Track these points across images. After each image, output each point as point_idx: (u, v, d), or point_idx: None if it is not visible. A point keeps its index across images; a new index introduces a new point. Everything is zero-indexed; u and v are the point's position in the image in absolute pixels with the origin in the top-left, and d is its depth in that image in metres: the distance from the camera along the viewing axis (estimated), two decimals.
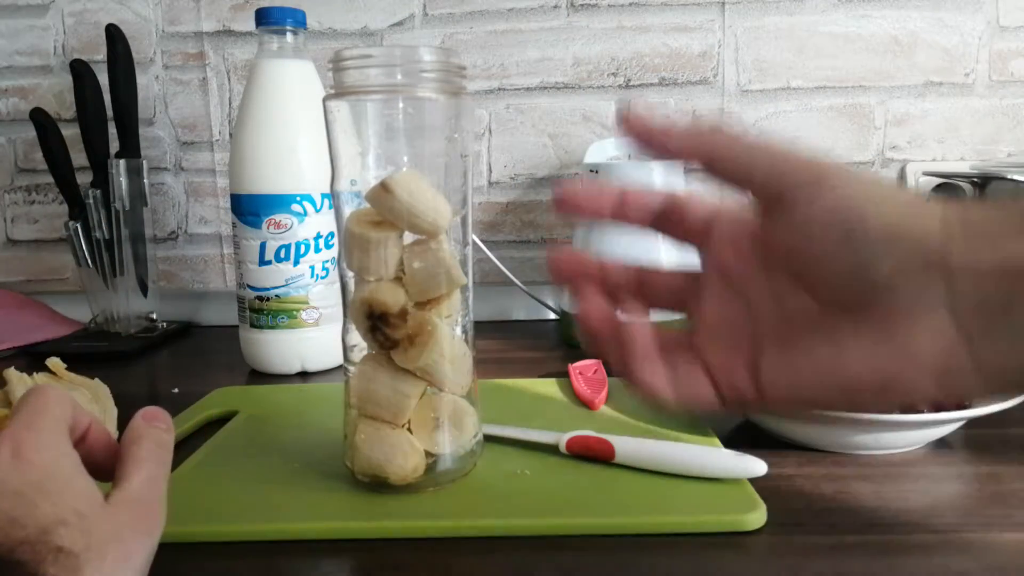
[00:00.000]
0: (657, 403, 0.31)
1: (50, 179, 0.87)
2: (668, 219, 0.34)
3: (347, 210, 0.44)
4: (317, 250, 0.70)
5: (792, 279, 0.29)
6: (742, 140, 0.29)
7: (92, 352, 0.80)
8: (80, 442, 0.31)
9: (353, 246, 0.42)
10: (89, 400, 0.49)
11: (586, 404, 0.58)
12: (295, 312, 0.71)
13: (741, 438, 0.52)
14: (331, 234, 0.71)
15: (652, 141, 0.31)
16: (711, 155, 0.30)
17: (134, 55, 0.85)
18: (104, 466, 0.32)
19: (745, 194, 0.30)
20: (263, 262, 0.70)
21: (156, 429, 0.33)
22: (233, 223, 0.71)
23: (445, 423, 0.44)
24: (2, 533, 0.26)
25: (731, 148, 0.29)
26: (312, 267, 0.70)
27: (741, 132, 0.30)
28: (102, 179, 0.84)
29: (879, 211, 0.26)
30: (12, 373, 0.48)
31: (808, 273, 0.28)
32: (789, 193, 0.28)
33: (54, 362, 0.51)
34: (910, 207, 0.27)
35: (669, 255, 0.76)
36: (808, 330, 0.28)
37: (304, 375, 0.72)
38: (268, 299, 0.70)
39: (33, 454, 0.27)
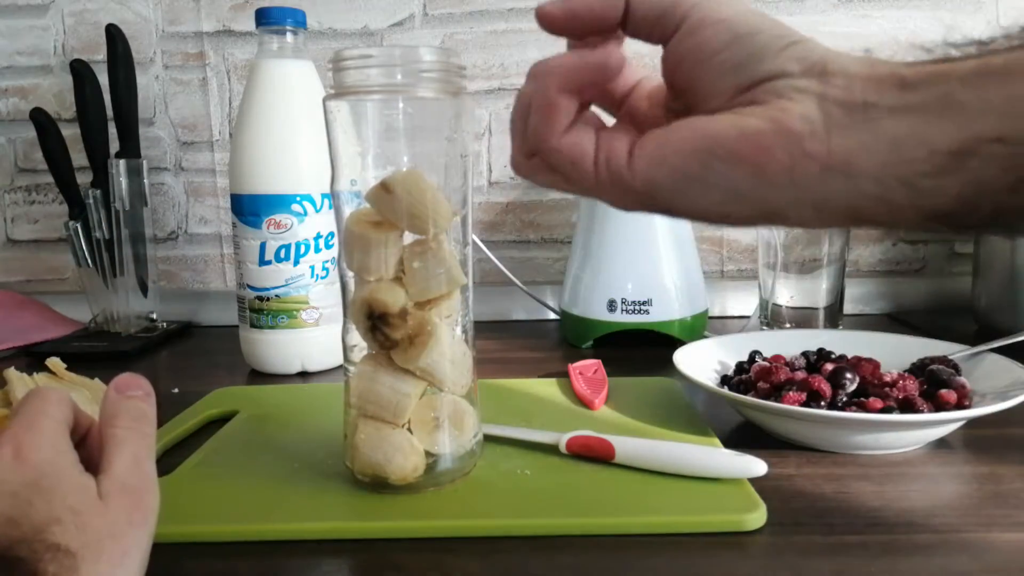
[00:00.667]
0: (543, 140, 0.32)
1: (50, 179, 0.87)
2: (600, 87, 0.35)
3: (347, 210, 0.44)
4: (317, 250, 0.70)
5: (684, 105, 0.31)
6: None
7: (92, 352, 0.80)
8: (81, 443, 0.31)
9: (353, 246, 0.42)
10: (89, 400, 0.49)
11: (586, 404, 0.58)
12: (295, 312, 0.71)
13: (741, 438, 0.52)
14: (331, 234, 0.71)
15: (574, 27, 0.32)
16: (628, 4, 0.31)
17: (134, 55, 0.85)
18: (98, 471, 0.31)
19: (654, 30, 0.31)
20: (263, 262, 0.70)
21: (132, 400, 0.32)
22: (233, 223, 0.71)
23: (445, 423, 0.44)
24: (3, 531, 0.26)
25: None
26: (312, 267, 0.70)
27: None
28: (102, 179, 0.84)
29: (767, 21, 0.29)
30: (12, 373, 0.48)
31: (691, 80, 0.30)
32: (691, 10, 0.30)
33: (54, 362, 0.51)
34: (793, 28, 0.29)
35: (670, 257, 0.77)
36: (686, 115, 0.30)
37: (304, 375, 0.72)
38: (268, 299, 0.70)
39: (32, 454, 0.28)
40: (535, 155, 0.33)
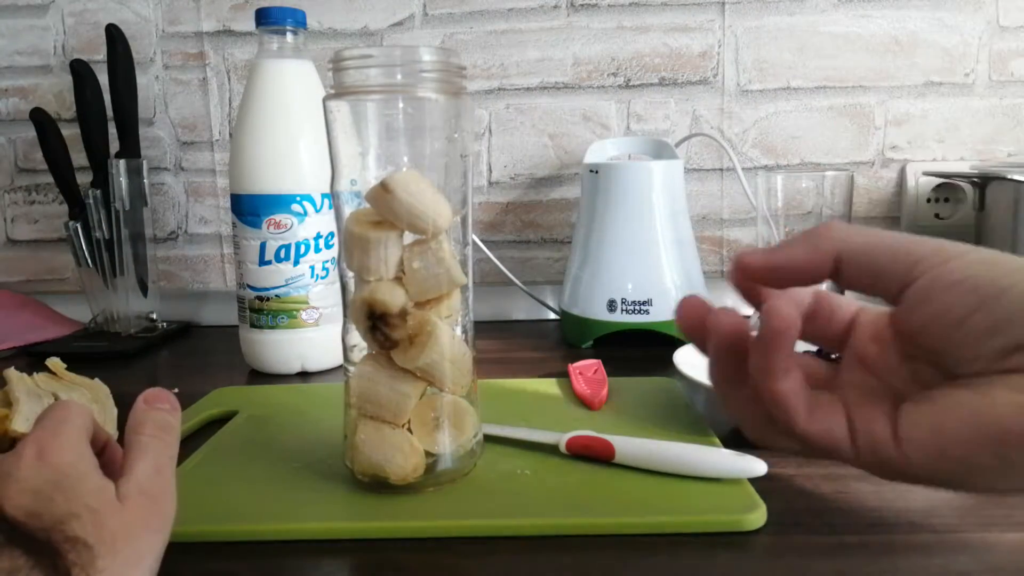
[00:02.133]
0: (786, 427, 0.29)
1: (50, 179, 0.87)
2: (813, 320, 0.33)
3: (347, 210, 0.44)
4: (317, 250, 0.70)
5: (929, 361, 0.28)
6: (858, 235, 0.29)
7: (92, 352, 0.80)
8: (99, 455, 0.33)
9: (353, 246, 0.42)
10: (89, 400, 0.49)
11: (586, 404, 0.58)
12: (295, 312, 0.71)
13: (741, 438, 0.52)
14: (331, 234, 0.71)
15: (774, 278, 0.31)
16: (837, 260, 0.29)
17: (134, 55, 0.85)
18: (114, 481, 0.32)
19: (873, 286, 0.29)
20: (263, 262, 0.70)
21: (158, 411, 0.34)
22: (233, 223, 0.71)
23: (445, 423, 0.44)
24: (25, 522, 0.28)
25: (851, 245, 0.29)
26: (312, 267, 0.70)
27: (852, 229, 0.29)
28: (102, 179, 0.84)
29: (1006, 271, 0.27)
30: (12, 373, 0.48)
31: (942, 342, 0.28)
32: (915, 268, 0.28)
33: (54, 362, 0.51)
34: None
35: (670, 257, 0.77)
36: (951, 383, 0.28)
37: (304, 375, 0.72)
38: (268, 299, 0.70)
39: (54, 456, 0.29)
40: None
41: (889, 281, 0.28)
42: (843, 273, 0.29)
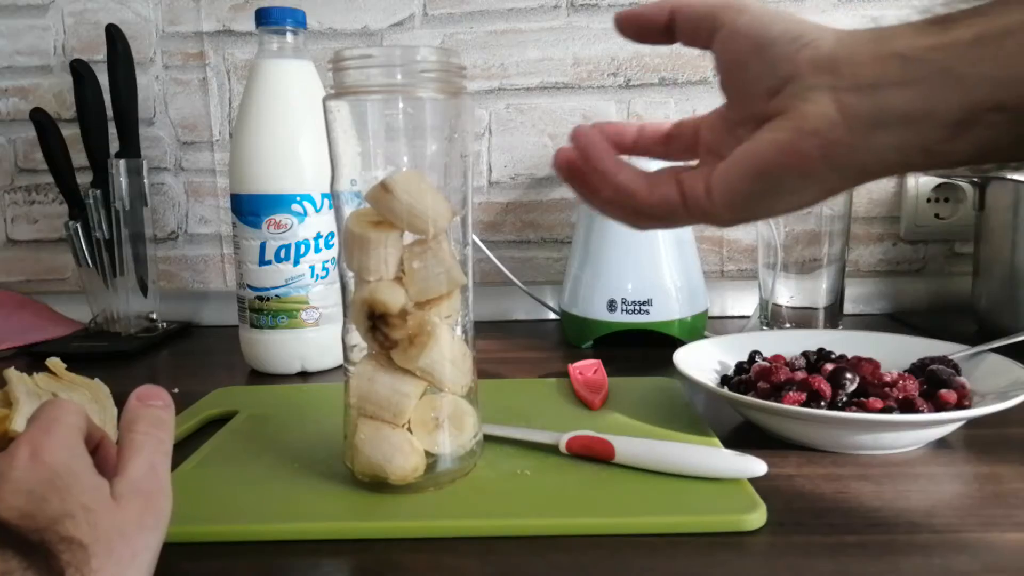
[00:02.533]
0: (635, 206, 0.37)
1: (50, 179, 0.87)
2: (676, 140, 0.42)
3: (347, 210, 0.44)
4: (317, 250, 0.70)
5: (742, 122, 0.34)
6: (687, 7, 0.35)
7: (92, 352, 0.80)
8: (93, 454, 0.32)
9: (353, 246, 0.42)
10: (89, 400, 0.49)
11: (586, 404, 0.58)
12: (295, 312, 0.71)
13: (741, 438, 0.52)
14: (331, 234, 0.71)
15: (636, 27, 0.38)
16: (673, 12, 0.35)
17: (134, 55, 0.85)
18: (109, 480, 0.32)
19: (694, 37, 0.35)
20: (263, 262, 0.70)
21: (152, 408, 0.34)
22: (233, 223, 0.71)
23: (445, 423, 0.44)
24: (18, 523, 0.28)
25: (682, 3, 0.35)
26: (312, 267, 0.70)
27: None
28: (102, 179, 0.84)
29: (783, 26, 0.32)
30: (12, 373, 0.48)
31: (736, 91, 0.34)
32: (720, 16, 0.34)
33: (54, 362, 0.51)
34: (809, 24, 0.32)
35: (670, 257, 0.77)
36: (741, 141, 0.33)
37: (304, 375, 0.72)
38: (268, 299, 0.70)
39: (48, 455, 0.29)
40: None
41: (703, 31, 0.34)
42: (676, 25, 0.36)
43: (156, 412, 0.34)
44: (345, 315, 0.45)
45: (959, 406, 0.50)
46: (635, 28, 0.38)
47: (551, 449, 0.49)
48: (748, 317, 0.88)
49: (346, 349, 0.45)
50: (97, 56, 0.90)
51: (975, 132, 0.27)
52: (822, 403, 0.50)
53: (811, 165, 0.31)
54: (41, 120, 0.84)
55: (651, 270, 0.77)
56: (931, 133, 0.28)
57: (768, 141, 0.31)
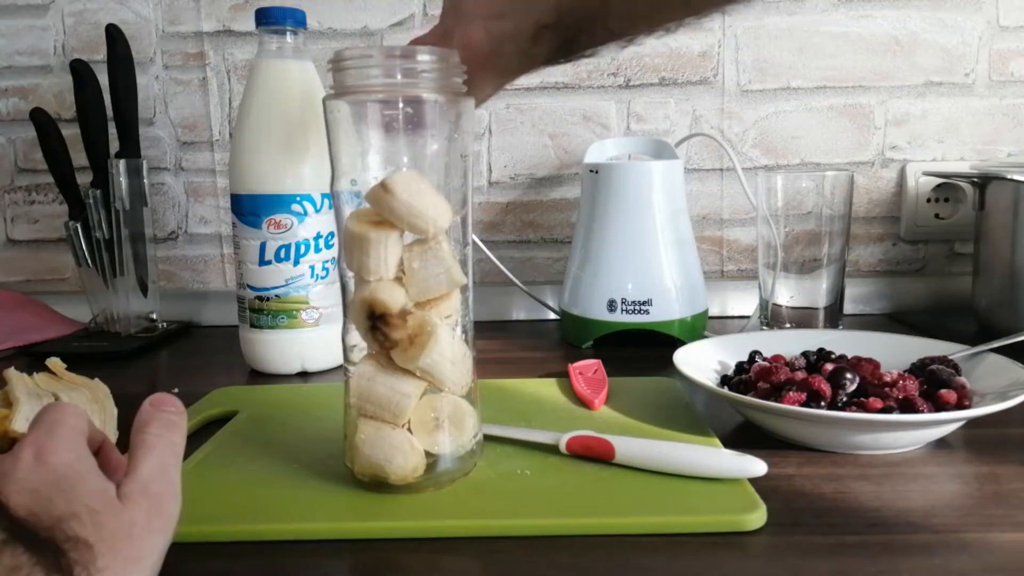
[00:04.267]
0: None
1: (50, 179, 0.87)
2: None
3: (347, 210, 0.44)
4: (317, 250, 0.70)
5: None
6: None
7: (92, 352, 0.80)
8: (95, 456, 0.32)
9: (353, 246, 0.42)
10: (89, 400, 0.49)
11: (586, 404, 0.58)
12: (295, 312, 0.71)
13: (741, 438, 0.52)
14: (331, 234, 0.71)
15: None
16: None
17: (134, 55, 0.85)
18: (113, 481, 0.32)
19: None
20: (263, 262, 0.70)
21: (165, 413, 0.34)
22: (233, 223, 0.71)
23: (445, 423, 0.44)
24: (26, 520, 0.28)
25: None
26: (312, 267, 0.70)
27: None
28: (102, 179, 0.84)
29: None
30: (12, 373, 0.48)
31: None
32: None
33: (54, 362, 0.51)
34: None
35: (670, 257, 0.77)
36: None
37: (304, 375, 0.72)
38: (268, 299, 0.70)
39: (52, 457, 0.29)
40: None
41: None
42: None
43: (169, 416, 0.34)
44: (345, 315, 0.45)
45: (959, 406, 0.50)
46: None
47: (551, 449, 0.49)
48: (748, 317, 0.89)
49: (346, 349, 0.45)
50: (97, 56, 0.90)
51: (543, 40, 0.44)
52: (822, 403, 0.50)
53: (480, 68, 0.45)
54: (41, 120, 0.84)
55: (651, 270, 0.77)
56: (523, 43, 0.44)
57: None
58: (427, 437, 0.43)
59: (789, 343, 0.61)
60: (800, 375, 0.53)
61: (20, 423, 0.44)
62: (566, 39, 0.44)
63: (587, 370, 0.65)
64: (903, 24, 0.91)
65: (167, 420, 0.34)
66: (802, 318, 0.79)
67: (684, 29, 0.43)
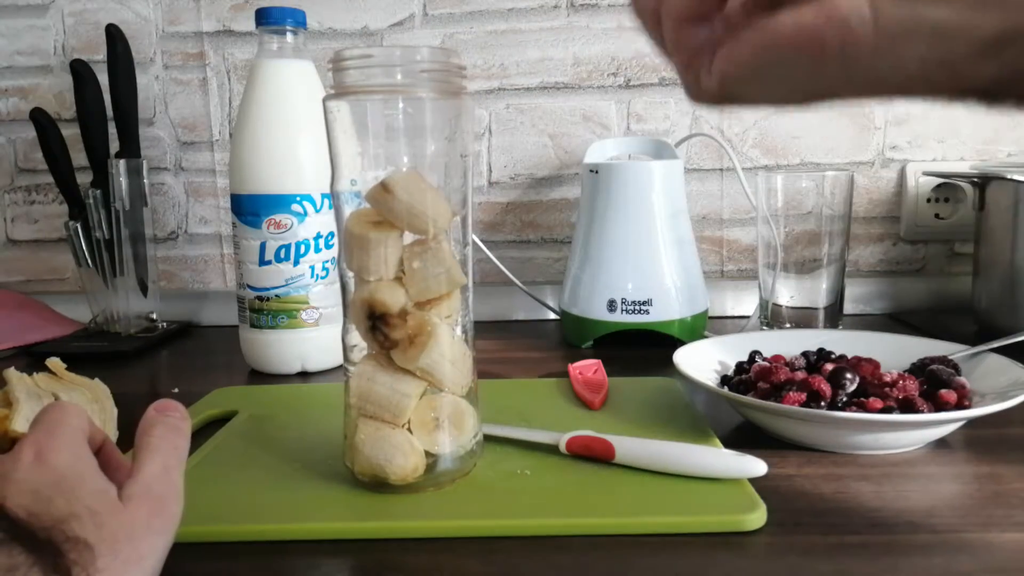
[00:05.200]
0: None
1: (50, 179, 0.87)
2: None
3: (347, 210, 0.44)
4: (317, 250, 0.70)
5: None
6: None
7: (92, 352, 0.80)
8: (95, 455, 0.32)
9: (353, 246, 0.42)
10: (89, 400, 0.49)
11: (586, 404, 0.58)
12: (295, 312, 0.71)
13: (741, 438, 0.52)
14: (331, 234, 0.71)
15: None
16: None
17: (134, 55, 0.85)
18: (114, 481, 0.32)
19: None
20: (263, 262, 0.70)
21: (169, 417, 0.34)
22: (233, 223, 0.71)
23: (445, 423, 0.44)
24: (25, 521, 0.28)
25: None
26: (312, 267, 0.70)
27: None
28: (102, 179, 0.84)
29: None
30: (12, 373, 0.48)
31: None
32: None
33: (54, 362, 0.51)
34: None
35: (670, 257, 0.77)
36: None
37: (304, 375, 0.72)
38: (268, 299, 0.70)
39: (53, 457, 0.29)
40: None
41: None
42: None
43: (173, 421, 0.34)
44: (345, 315, 0.45)
45: (959, 406, 0.50)
46: None
47: (551, 449, 0.49)
48: (748, 317, 0.89)
49: (346, 349, 0.45)
50: (97, 56, 0.90)
51: (1004, 55, 0.27)
52: (822, 403, 0.50)
53: (826, 55, 0.29)
54: (41, 120, 0.84)
55: (651, 270, 0.77)
56: (959, 49, 0.27)
57: (791, 19, 0.29)
58: (427, 437, 0.43)
59: (789, 343, 0.61)
60: (800, 375, 0.53)
61: (20, 423, 0.44)
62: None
63: (587, 370, 0.65)
64: None
65: (171, 424, 0.34)
66: (802, 318, 0.79)
67: None
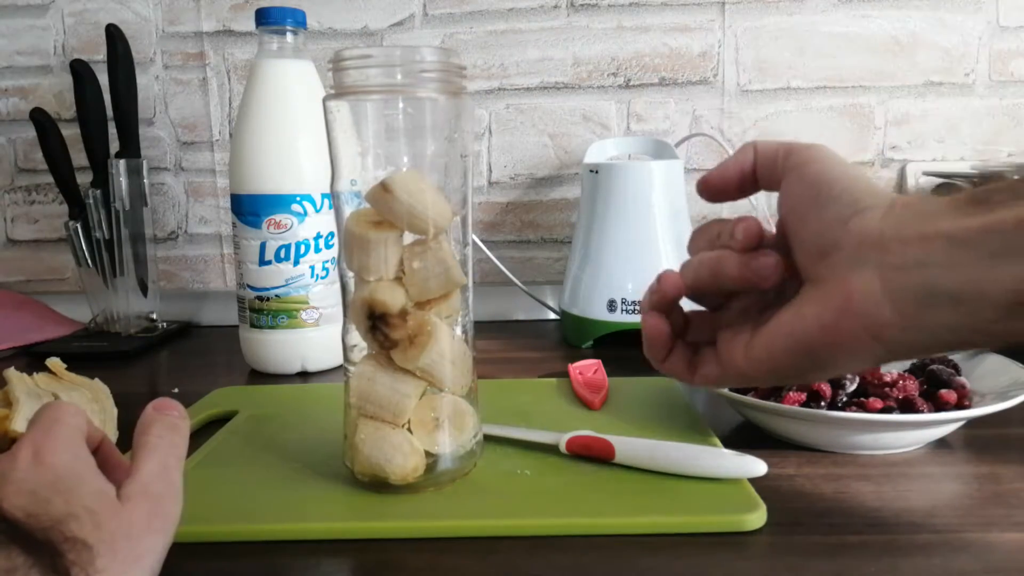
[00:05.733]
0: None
1: (50, 179, 0.87)
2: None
3: (347, 210, 0.44)
4: (317, 250, 0.70)
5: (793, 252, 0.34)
6: (768, 141, 0.36)
7: (92, 352, 0.80)
8: (93, 455, 0.32)
9: (353, 246, 0.42)
10: (89, 400, 0.49)
11: (586, 404, 0.58)
12: (295, 312, 0.71)
13: (741, 438, 0.52)
14: (331, 234, 0.71)
15: (724, 186, 0.38)
16: (755, 155, 0.36)
17: (134, 55, 0.85)
18: (113, 481, 0.32)
19: (769, 177, 0.36)
20: (263, 262, 0.70)
21: (168, 416, 0.34)
22: (233, 223, 0.71)
23: (445, 423, 0.44)
24: (23, 522, 0.28)
25: (760, 145, 0.36)
26: (312, 267, 0.70)
27: (769, 141, 0.36)
28: (102, 179, 0.84)
29: (844, 185, 0.32)
30: (12, 373, 0.48)
31: (793, 232, 0.34)
32: (792, 157, 0.34)
33: (54, 362, 0.51)
34: (867, 186, 0.32)
35: (670, 257, 0.77)
36: (785, 307, 0.33)
37: (304, 375, 0.72)
38: (268, 299, 0.70)
39: (50, 457, 0.29)
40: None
41: (777, 168, 0.35)
42: (756, 165, 0.36)
43: (172, 420, 0.34)
44: (345, 315, 0.45)
45: (959, 406, 0.50)
46: (719, 187, 0.38)
47: (551, 449, 0.49)
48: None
49: (346, 349, 0.45)
50: (97, 56, 0.90)
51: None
52: (822, 403, 0.50)
53: (857, 344, 0.30)
54: (41, 120, 0.84)
55: (651, 270, 0.76)
56: (984, 314, 0.28)
57: (812, 317, 0.31)
58: (427, 437, 0.43)
59: None
60: None
61: (20, 423, 0.44)
62: None
63: (587, 370, 0.65)
64: (903, 24, 0.91)
65: (170, 423, 0.34)
66: None
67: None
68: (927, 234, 0.29)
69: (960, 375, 0.53)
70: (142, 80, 0.90)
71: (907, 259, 0.29)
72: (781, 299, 0.34)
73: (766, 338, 0.33)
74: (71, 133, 0.87)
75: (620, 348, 0.76)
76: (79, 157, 0.86)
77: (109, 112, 0.85)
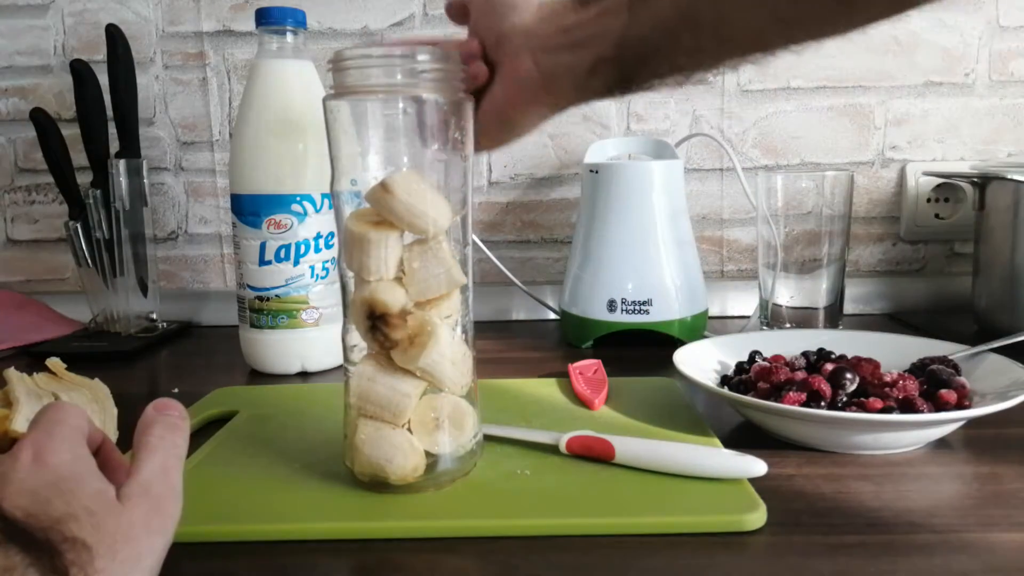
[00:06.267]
0: None
1: (50, 179, 0.87)
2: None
3: (347, 210, 0.44)
4: (317, 250, 0.70)
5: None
6: None
7: (92, 352, 0.80)
8: (94, 455, 0.32)
9: (353, 246, 0.42)
10: (89, 400, 0.49)
11: (586, 404, 0.58)
12: (295, 312, 0.71)
13: (741, 438, 0.52)
14: (331, 234, 0.71)
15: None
16: None
17: (134, 55, 0.85)
18: (113, 481, 0.32)
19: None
20: (263, 262, 0.70)
21: (168, 416, 0.34)
22: (233, 223, 0.71)
23: (445, 423, 0.44)
24: (23, 522, 0.28)
25: None
26: (312, 267, 0.70)
27: None
28: (102, 179, 0.84)
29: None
30: (12, 373, 0.48)
31: (483, 39, 0.46)
32: None
33: (54, 362, 0.51)
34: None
35: (670, 257, 0.77)
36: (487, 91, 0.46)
37: (304, 375, 0.72)
38: (268, 299, 0.70)
39: (51, 457, 0.29)
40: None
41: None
42: None
43: (172, 420, 0.34)
44: (345, 315, 0.45)
45: (959, 406, 0.50)
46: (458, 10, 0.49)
47: (551, 449, 0.49)
48: (748, 317, 0.88)
49: (346, 349, 0.45)
50: (97, 56, 0.90)
51: (600, 73, 0.43)
52: (822, 403, 0.50)
53: (529, 100, 0.45)
54: (41, 120, 0.84)
55: (651, 270, 0.77)
56: (579, 75, 0.43)
57: (499, 92, 0.45)
58: (427, 437, 0.43)
59: (789, 343, 0.61)
60: (800, 375, 0.53)
61: (20, 423, 0.43)
62: (625, 73, 0.42)
63: (587, 370, 0.65)
64: (903, 24, 0.91)
65: (170, 423, 0.34)
66: (802, 318, 0.79)
67: (747, 66, 0.41)
68: (558, 27, 0.43)
69: (960, 375, 0.53)
70: (142, 80, 0.90)
71: (547, 45, 0.43)
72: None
73: (482, 115, 0.46)
74: (71, 133, 0.87)
75: (620, 348, 0.76)
76: (79, 157, 0.86)
77: (109, 112, 0.85)
